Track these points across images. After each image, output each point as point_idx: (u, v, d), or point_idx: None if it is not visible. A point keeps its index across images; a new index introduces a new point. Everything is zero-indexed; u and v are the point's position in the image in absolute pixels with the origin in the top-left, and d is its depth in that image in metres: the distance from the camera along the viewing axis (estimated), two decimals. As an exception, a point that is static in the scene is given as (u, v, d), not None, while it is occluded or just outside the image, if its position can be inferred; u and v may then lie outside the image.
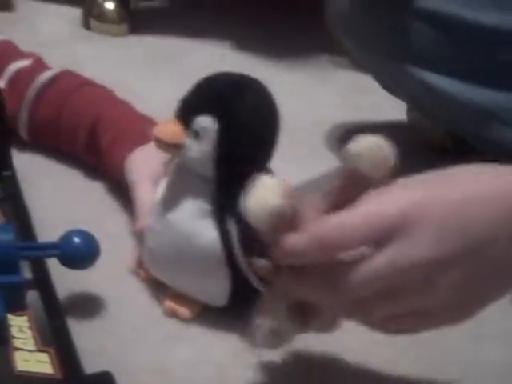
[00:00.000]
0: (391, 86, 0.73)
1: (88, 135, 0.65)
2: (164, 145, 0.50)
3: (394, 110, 0.79)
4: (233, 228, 0.49)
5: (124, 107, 0.67)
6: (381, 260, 0.40)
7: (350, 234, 0.40)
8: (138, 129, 0.63)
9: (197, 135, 0.49)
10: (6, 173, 0.60)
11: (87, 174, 0.67)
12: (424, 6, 0.63)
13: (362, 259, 0.40)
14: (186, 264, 0.51)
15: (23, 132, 0.69)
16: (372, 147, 0.40)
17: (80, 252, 0.50)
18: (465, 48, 0.62)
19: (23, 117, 0.68)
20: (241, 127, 0.49)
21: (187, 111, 0.49)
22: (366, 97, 0.85)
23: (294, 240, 0.41)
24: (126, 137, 0.63)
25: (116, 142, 0.63)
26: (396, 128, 0.83)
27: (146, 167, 0.58)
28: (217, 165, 0.49)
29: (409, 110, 0.80)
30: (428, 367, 0.50)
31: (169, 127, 0.50)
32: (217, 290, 0.51)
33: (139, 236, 0.54)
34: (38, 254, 0.50)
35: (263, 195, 0.41)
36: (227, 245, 0.50)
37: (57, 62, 0.73)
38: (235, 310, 0.52)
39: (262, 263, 0.46)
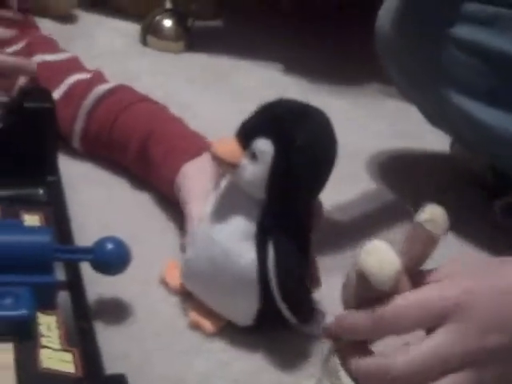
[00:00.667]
0: (434, 116, 0.73)
1: (140, 148, 0.67)
2: (221, 162, 0.51)
3: (438, 140, 0.80)
4: (272, 255, 0.50)
5: (177, 123, 0.69)
6: (428, 345, 0.42)
7: (405, 317, 0.43)
8: (190, 145, 0.64)
9: (254, 157, 0.50)
10: (51, 178, 0.62)
11: (134, 185, 0.69)
12: (467, 38, 0.64)
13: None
14: (219, 280, 0.52)
15: (76, 142, 0.71)
16: (441, 214, 0.45)
17: (111, 258, 0.52)
18: (508, 80, 0.62)
19: (77, 127, 0.70)
20: (298, 154, 0.49)
21: (247, 132, 0.51)
22: (412, 126, 0.86)
23: (353, 317, 0.44)
24: (177, 151, 0.64)
25: (167, 156, 0.64)
26: (438, 159, 0.83)
27: (196, 182, 0.59)
28: (269, 188, 0.50)
29: (452, 141, 0.80)
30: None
31: (228, 146, 0.51)
32: (244, 310, 0.52)
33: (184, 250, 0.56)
34: (71, 257, 0.52)
35: (385, 259, 0.43)
36: (263, 270, 0.51)
37: (112, 75, 0.75)
38: (259, 328, 0.53)
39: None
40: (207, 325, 0.53)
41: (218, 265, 0.51)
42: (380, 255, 0.43)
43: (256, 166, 0.50)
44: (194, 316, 0.54)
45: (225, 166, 0.51)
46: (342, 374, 0.45)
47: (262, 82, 0.94)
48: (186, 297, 0.55)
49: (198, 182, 0.59)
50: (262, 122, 0.51)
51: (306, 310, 0.52)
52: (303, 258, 0.52)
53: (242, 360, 0.52)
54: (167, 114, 0.70)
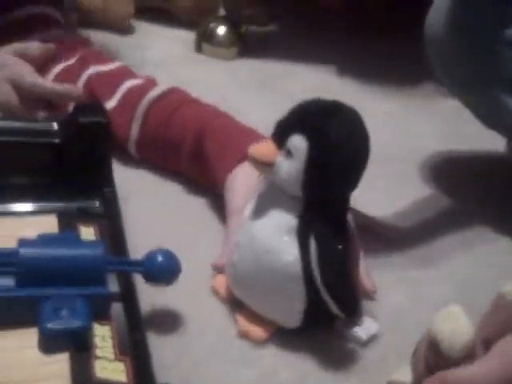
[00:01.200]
0: (487, 117, 0.72)
1: (194, 145, 0.68)
2: (257, 163, 0.53)
3: (494, 141, 0.78)
4: (314, 249, 0.51)
5: (229, 119, 0.70)
6: None
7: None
8: (243, 139, 0.65)
9: (289, 154, 0.52)
10: (106, 189, 0.64)
11: (186, 194, 0.70)
12: None
13: None
14: (264, 280, 0.53)
15: (132, 148, 0.73)
16: None
17: (161, 270, 0.53)
18: None
19: (133, 133, 0.72)
20: (331, 149, 0.51)
21: (281, 131, 0.53)
22: (466, 127, 0.84)
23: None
24: (231, 148, 0.65)
25: (221, 153, 0.65)
26: (494, 160, 0.82)
27: (241, 192, 0.60)
28: (305, 184, 0.52)
29: (507, 142, 0.79)
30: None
31: (263, 147, 0.53)
32: (291, 309, 0.53)
33: (216, 269, 0.57)
34: (122, 268, 0.54)
35: (460, 328, 0.43)
36: (306, 264, 0.52)
37: (166, 81, 0.77)
38: (309, 333, 0.54)
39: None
40: (256, 333, 0.55)
41: (263, 263, 0.53)
42: (454, 323, 0.43)
43: (291, 162, 0.51)
44: (243, 324, 0.55)
45: (261, 166, 0.53)
46: None
47: (314, 86, 0.95)
48: (236, 306, 0.57)
49: (243, 191, 0.60)
50: (295, 120, 0.53)
51: (351, 302, 0.53)
52: (344, 250, 0.53)
53: (290, 367, 0.53)
54: (219, 112, 0.71)
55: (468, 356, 0.43)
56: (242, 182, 0.62)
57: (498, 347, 0.42)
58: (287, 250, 0.52)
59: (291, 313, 0.53)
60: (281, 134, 0.52)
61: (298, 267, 0.52)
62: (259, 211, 0.54)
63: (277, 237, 0.52)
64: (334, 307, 0.52)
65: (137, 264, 0.54)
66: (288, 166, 0.52)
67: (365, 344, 0.55)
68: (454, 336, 0.43)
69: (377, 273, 0.58)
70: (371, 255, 0.60)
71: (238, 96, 0.91)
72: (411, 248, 0.66)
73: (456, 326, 0.43)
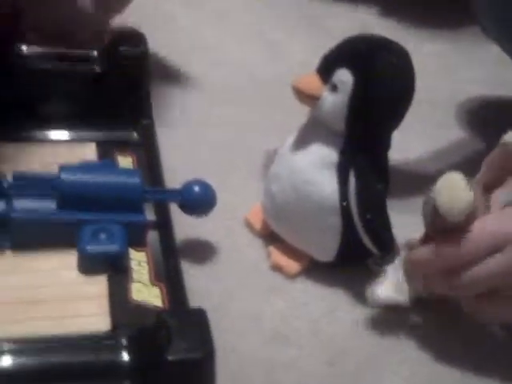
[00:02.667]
0: None
1: None
2: (302, 95, 0.53)
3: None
4: (353, 185, 0.52)
5: None
6: (498, 261, 0.47)
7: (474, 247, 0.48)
8: None
9: (334, 88, 0.52)
10: (144, 121, 0.64)
11: (224, 130, 0.70)
12: None
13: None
14: (302, 211, 0.54)
15: None
16: None
17: (198, 200, 0.54)
18: None
19: None
20: (377, 83, 0.51)
21: (327, 65, 0.53)
22: (510, 74, 0.83)
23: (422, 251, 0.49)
24: None
25: None
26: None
27: None
28: (349, 119, 0.52)
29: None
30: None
31: (308, 79, 0.53)
32: (326, 242, 0.54)
33: None
34: (159, 197, 0.55)
35: (458, 193, 0.47)
36: (345, 198, 0.52)
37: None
38: (340, 269, 0.55)
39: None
40: (289, 266, 0.55)
41: (301, 195, 0.53)
42: (453, 188, 0.46)
43: (336, 96, 0.52)
44: (276, 257, 0.56)
45: (306, 98, 0.53)
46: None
47: (355, 27, 0.93)
48: (270, 239, 0.57)
49: None
50: (341, 54, 0.52)
51: (387, 238, 0.53)
52: (383, 187, 0.53)
53: (321, 300, 0.54)
54: None
55: (468, 219, 0.47)
56: None
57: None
58: (326, 183, 0.53)
59: (326, 246, 0.54)
60: (326, 67, 0.53)
61: (336, 200, 0.53)
62: (300, 144, 0.55)
63: (317, 169, 0.53)
64: (369, 243, 0.52)
65: (174, 193, 0.55)
66: (333, 100, 0.52)
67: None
68: (453, 202, 0.47)
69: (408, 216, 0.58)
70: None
71: (277, 28, 0.89)
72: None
73: (455, 191, 0.46)
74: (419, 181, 0.66)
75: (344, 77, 0.51)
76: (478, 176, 0.52)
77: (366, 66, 0.51)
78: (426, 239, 0.50)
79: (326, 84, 0.52)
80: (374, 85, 0.51)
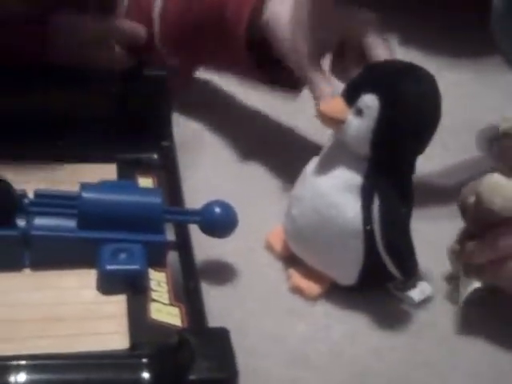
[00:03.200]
0: None
1: (215, 20, 0.64)
2: (327, 119, 0.53)
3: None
4: (377, 209, 0.52)
5: None
6: None
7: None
8: None
9: (359, 113, 0.51)
10: (165, 143, 0.65)
11: (246, 149, 0.70)
12: None
13: None
14: (324, 234, 0.53)
15: (158, 41, 0.69)
16: None
17: (219, 221, 0.54)
18: None
19: (156, 26, 0.68)
20: (402, 109, 0.51)
21: (353, 89, 0.53)
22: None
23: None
24: None
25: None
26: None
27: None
28: (374, 143, 0.51)
29: None
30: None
31: (334, 104, 0.53)
32: (349, 266, 0.53)
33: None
34: (180, 218, 0.55)
35: (507, 190, 0.50)
36: (368, 222, 0.52)
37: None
38: (361, 292, 0.54)
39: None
40: (309, 288, 0.55)
41: (324, 218, 0.53)
42: (502, 187, 0.50)
43: (362, 121, 0.51)
44: (297, 280, 0.55)
45: (331, 122, 0.53)
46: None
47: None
48: (290, 261, 0.57)
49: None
50: (367, 79, 0.52)
51: (410, 263, 0.53)
52: (407, 211, 0.53)
53: (342, 323, 0.53)
54: None
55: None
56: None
57: None
58: (350, 206, 0.52)
59: (348, 270, 0.54)
60: (352, 92, 0.52)
61: (359, 224, 0.52)
62: (324, 168, 0.54)
63: (340, 192, 0.53)
64: (392, 268, 0.52)
65: (194, 214, 0.54)
66: (358, 125, 0.52)
67: (417, 306, 0.54)
68: (495, 189, 0.50)
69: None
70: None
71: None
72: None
73: (505, 188, 0.50)
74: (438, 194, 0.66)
75: (370, 101, 0.51)
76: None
77: (391, 91, 0.51)
78: (469, 235, 0.53)
79: (351, 108, 0.52)
80: (399, 110, 0.51)
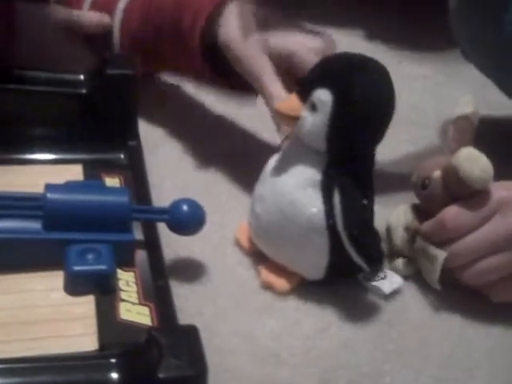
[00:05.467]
0: (508, 88, 0.71)
1: (173, 29, 0.65)
2: (283, 117, 0.54)
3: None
4: (338, 203, 0.52)
5: None
6: (493, 226, 0.53)
7: (465, 220, 0.53)
8: None
9: (313, 108, 0.52)
10: (131, 142, 0.64)
11: (211, 148, 0.70)
12: None
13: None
14: (288, 232, 0.53)
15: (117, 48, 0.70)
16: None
17: (186, 219, 0.53)
18: None
19: (116, 35, 0.69)
20: (356, 101, 0.51)
21: (306, 85, 0.52)
22: (495, 94, 0.83)
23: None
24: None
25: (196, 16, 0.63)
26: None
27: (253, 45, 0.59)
28: (329, 138, 0.52)
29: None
30: None
31: (288, 101, 0.53)
32: (315, 261, 0.54)
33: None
34: (147, 216, 0.54)
35: (483, 163, 0.53)
36: (330, 216, 0.52)
37: None
38: (331, 285, 0.54)
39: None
40: (279, 284, 0.55)
41: (286, 216, 0.53)
42: (477, 159, 0.53)
43: (316, 116, 0.51)
44: (266, 275, 0.55)
45: (287, 120, 0.53)
46: (430, 246, 0.54)
47: (339, 49, 0.93)
48: (259, 257, 0.57)
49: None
50: (319, 74, 0.52)
51: (376, 254, 0.53)
52: (369, 203, 0.53)
53: (313, 317, 0.53)
54: None
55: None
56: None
57: None
58: (311, 202, 0.52)
59: (315, 265, 0.54)
60: (306, 88, 0.52)
61: (321, 219, 0.52)
62: (283, 165, 0.54)
63: (301, 189, 0.53)
64: (358, 259, 0.52)
65: (161, 212, 0.54)
66: (312, 120, 0.52)
67: (388, 297, 0.55)
68: (474, 160, 0.52)
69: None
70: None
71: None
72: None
73: (479, 161, 0.52)
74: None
75: (323, 96, 0.51)
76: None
77: (344, 84, 0.51)
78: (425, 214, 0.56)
79: (305, 104, 0.52)
80: (352, 103, 0.51)
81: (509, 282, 0.53)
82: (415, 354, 0.51)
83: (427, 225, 0.55)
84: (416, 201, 0.58)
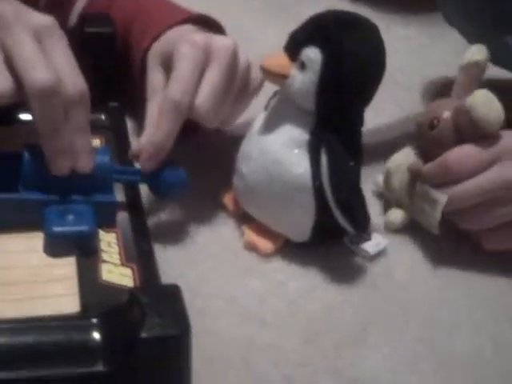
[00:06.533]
0: (494, 57, 0.70)
1: (123, 44, 0.63)
2: (271, 75, 0.52)
3: (500, 72, 0.77)
4: (325, 164, 0.51)
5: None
6: (491, 174, 0.52)
7: (466, 163, 0.53)
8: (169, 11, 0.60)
9: (303, 66, 0.51)
10: (112, 104, 0.63)
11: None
12: None
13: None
14: (274, 192, 0.53)
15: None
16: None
17: (168, 182, 0.53)
18: None
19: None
20: (345, 60, 0.50)
21: (295, 43, 0.52)
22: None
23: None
24: (151, 24, 0.59)
25: (143, 33, 0.60)
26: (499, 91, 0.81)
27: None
28: (319, 97, 0.51)
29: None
30: None
31: (276, 59, 0.52)
32: (300, 222, 0.53)
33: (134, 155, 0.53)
34: (129, 178, 0.53)
35: (498, 105, 0.52)
36: (317, 177, 0.51)
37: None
38: (316, 247, 0.54)
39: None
40: (263, 245, 0.54)
41: (272, 174, 0.52)
42: (491, 101, 0.52)
43: (305, 74, 0.51)
44: (250, 237, 0.55)
45: (275, 78, 0.52)
46: (431, 190, 0.54)
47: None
48: (243, 219, 0.56)
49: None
50: (309, 32, 0.51)
51: (362, 216, 0.52)
52: (357, 165, 0.52)
53: (297, 279, 0.53)
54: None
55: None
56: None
57: None
58: (298, 162, 0.52)
59: (300, 226, 0.53)
60: (294, 46, 0.51)
61: (308, 180, 0.51)
62: (270, 125, 0.53)
63: (288, 149, 0.52)
64: (344, 222, 0.51)
65: (144, 174, 0.53)
66: (302, 78, 0.51)
67: (372, 259, 0.54)
68: (491, 101, 0.52)
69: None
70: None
71: (248, 22, 0.88)
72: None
73: (492, 101, 0.52)
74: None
75: (312, 54, 0.50)
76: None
77: (334, 42, 0.50)
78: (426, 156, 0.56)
79: (294, 62, 0.51)
80: (342, 61, 0.50)
81: (502, 231, 0.54)
82: (398, 316, 0.51)
83: (429, 166, 0.54)
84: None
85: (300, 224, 0.53)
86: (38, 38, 0.47)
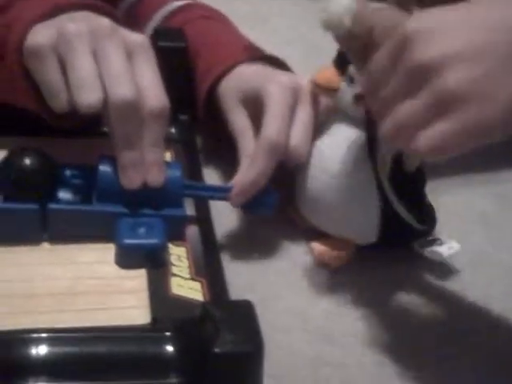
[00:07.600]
0: None
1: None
2: (322, 89, 0.55)
3: None
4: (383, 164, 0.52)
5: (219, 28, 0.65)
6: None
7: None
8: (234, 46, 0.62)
9: (351, 80, 0.53)
10: (182, 117, 0.64)
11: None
12: None
13: None
14: (337, 196, 0.54)
15: None
16: None
17: (257, 201, 0.53)
18: None
19: None
20: None
21: (343, 58, 0.54)
22: None
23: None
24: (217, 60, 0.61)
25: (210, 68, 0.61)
26: None
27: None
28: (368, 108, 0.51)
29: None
30: None
31: (327, 73, 0.55)
32: (366, 222, 0.54)
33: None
34: (200, 193, 0.54)
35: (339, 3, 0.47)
36: (379, 179, 0.53)
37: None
38: (385, 264, 0.54)
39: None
40: (332, 260, 0.54)
41: (335, 182, 0.53)
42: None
43: (354, 88, 0.53)
44: (320, 252, 0.54)
45: (326, 92, 0.55)
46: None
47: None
48: (311, 236, 0.56)
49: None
50: None
51: (427, 214, 0.53)
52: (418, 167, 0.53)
53: (366, 296, 0.52)
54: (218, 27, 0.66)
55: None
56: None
57: None
58: (359, 165, 0.53)
59: (367, 227, 0.54)
60: (343, 60, 0.53)
61: (371, 182, 0.53)
62: (327, 135, 0.55)
63: (348, 155, 0.53)
64: (408, 217, 0.52)
65: (216, 190, 0.53)
66: (351, 92, 0.53)
67: (447, 261, 0.54)
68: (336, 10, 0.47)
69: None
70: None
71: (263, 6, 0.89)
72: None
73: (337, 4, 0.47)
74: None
75: None
76: None
77: None
78: None
79: (343, 76, 0.53)
80: None
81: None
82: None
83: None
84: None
85: (366, 223, 0.54)
86: (129, 54, 0.49)
